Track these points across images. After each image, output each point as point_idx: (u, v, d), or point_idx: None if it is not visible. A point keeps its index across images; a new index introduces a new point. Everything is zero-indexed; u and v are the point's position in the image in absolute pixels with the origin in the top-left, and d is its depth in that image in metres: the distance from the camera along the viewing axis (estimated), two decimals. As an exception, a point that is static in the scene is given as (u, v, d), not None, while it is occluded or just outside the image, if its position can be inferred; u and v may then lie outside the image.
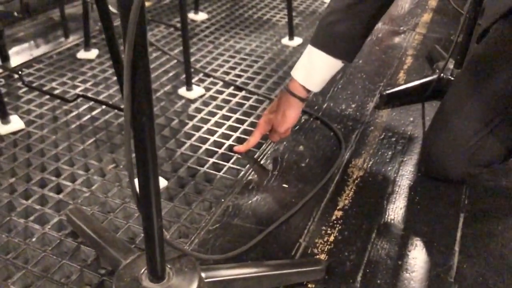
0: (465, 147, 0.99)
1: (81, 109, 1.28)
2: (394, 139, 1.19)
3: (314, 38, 0.97)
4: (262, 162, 1.11)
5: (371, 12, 0.93)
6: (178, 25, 1.73)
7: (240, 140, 1.17)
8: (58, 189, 1.01)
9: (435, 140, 1.04)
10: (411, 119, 1.28)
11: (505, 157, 1.02)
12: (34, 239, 0.88)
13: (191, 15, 1.88)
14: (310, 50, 0.97)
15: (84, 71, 1.47)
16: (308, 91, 1.00)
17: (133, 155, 0.58)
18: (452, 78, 1.34)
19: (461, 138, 0.99)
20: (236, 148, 1.12)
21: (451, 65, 1.38)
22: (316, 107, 1.31)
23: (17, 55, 1.56)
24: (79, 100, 1.28)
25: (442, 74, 1.34)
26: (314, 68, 0.98)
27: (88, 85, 1.40)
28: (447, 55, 1.40)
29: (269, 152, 1.14)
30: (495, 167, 1.07)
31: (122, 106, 1.21)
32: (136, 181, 0.61)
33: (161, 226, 0.67)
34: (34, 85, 1.38)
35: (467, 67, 1.10)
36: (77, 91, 1.36)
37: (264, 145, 1.15)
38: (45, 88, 1.36)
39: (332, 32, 0.94)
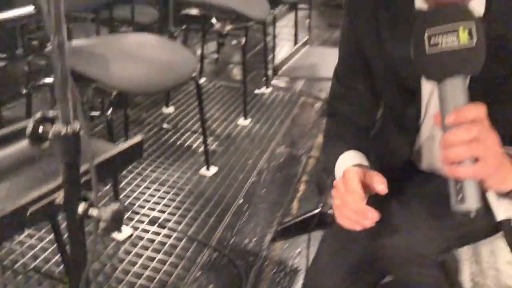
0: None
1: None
2: (283, 273, 1.52)
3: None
4: (178, 305, 1.39)
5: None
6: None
7: (162, 283, 1.45)
8: None
9: (308, 281, 1.36)
10: (299, 250, 1.62)
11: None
12: None
13: (121, 144, 2.17)
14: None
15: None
16: None
17: None
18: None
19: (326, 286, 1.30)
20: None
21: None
22: (225, 243, 1.62)
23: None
24: None
25: (323, 209, 1.70)
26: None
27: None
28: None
29: (184, 293, 1.43)
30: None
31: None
32: None
33: None
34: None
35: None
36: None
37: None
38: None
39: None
